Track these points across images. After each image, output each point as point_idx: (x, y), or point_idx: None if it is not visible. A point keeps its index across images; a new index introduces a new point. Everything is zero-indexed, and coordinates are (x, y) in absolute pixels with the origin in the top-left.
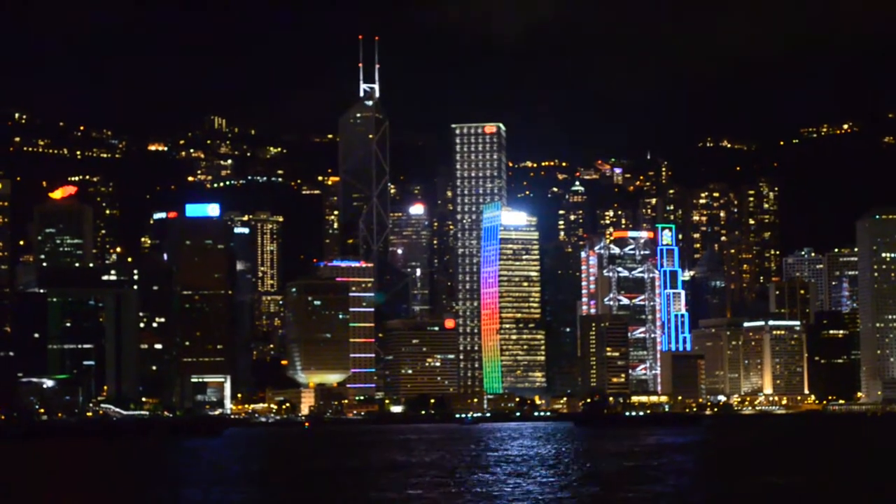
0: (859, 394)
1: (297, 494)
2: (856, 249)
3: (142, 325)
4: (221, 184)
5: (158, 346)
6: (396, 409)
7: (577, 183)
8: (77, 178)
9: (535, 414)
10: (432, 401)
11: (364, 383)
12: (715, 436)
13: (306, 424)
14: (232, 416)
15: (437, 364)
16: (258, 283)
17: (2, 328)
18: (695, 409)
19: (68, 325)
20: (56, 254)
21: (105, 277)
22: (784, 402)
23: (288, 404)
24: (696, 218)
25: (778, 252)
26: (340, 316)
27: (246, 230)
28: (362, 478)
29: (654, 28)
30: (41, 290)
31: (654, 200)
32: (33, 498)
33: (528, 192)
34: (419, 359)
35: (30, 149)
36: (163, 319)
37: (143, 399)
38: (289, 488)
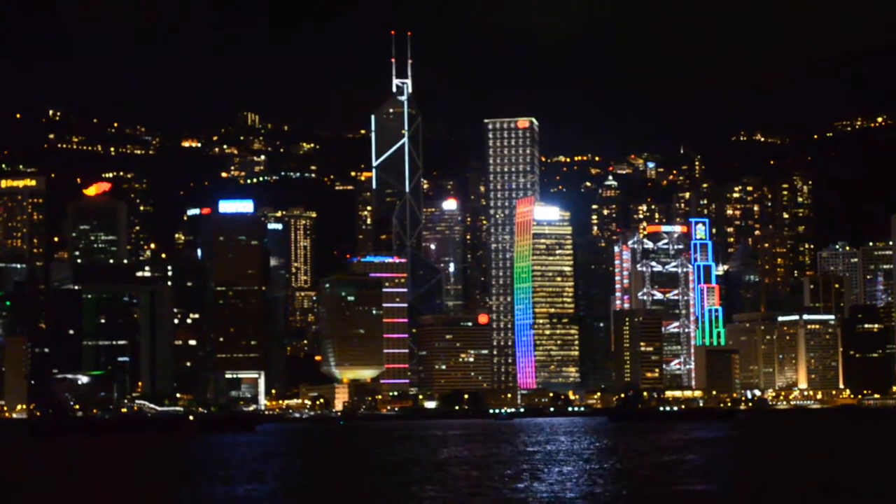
0: (895, 388)
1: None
2: (891, 243)
3: (176, 321)
4: (255, 180)
5: (192, 342)
6: (430, 404)
7: (611, 177)
8: (111, 175)
9: (569, 409)
10: (466, 396)
11: (398, 379)
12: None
13: (341, 420)
14: (266, 412)
15: (471, 359)
16: (292, 279)
17: (37, 325)
18: (729, 404)
19: (103, 321)
20: (90, 250)
21: (139, 274)
22: (819, 396)
23: (322, 400)
24: (729, 212)
25: (812, 246)
26: (374, 311)
27: (279, 226)
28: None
29: (686, 21)
30: (76, 287)
31: (687, 194)
32: (69, 492)
33: (560, 187)
34: (453, 354)
35: (64, 146)
36: (197, 315)
37: (178, 395)
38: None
